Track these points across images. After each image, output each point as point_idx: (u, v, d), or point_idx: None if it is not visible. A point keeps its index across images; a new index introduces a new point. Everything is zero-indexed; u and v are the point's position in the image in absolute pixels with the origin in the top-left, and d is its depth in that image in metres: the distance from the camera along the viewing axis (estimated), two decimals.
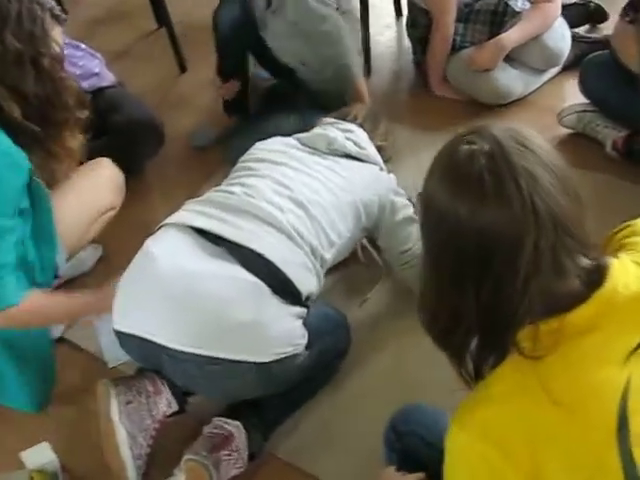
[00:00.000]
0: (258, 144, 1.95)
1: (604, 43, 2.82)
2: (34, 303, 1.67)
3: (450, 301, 1.03)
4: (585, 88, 2.49)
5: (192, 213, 1.68)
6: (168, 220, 1.69)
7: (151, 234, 1.69)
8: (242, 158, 1.91)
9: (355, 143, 1.90)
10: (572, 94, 2.74)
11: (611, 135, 2.43)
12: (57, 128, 1.69)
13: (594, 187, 2.35)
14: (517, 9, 2.69)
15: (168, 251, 1.58)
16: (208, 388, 1.60)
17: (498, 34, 2.68)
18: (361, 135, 1.97)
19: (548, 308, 0.97)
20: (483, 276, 0.97)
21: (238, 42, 2.63)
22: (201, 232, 1.61)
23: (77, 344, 2.09)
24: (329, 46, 2.45)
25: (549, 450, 0.94)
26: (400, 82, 2.90)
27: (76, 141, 1.76)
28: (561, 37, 2.70)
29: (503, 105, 2.71)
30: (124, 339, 1.60)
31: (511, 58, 2.68)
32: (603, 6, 2.99)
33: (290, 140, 1.94)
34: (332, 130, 1.94)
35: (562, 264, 0.96)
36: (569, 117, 2.52)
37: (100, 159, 2.14)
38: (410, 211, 1.90)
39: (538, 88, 2.79)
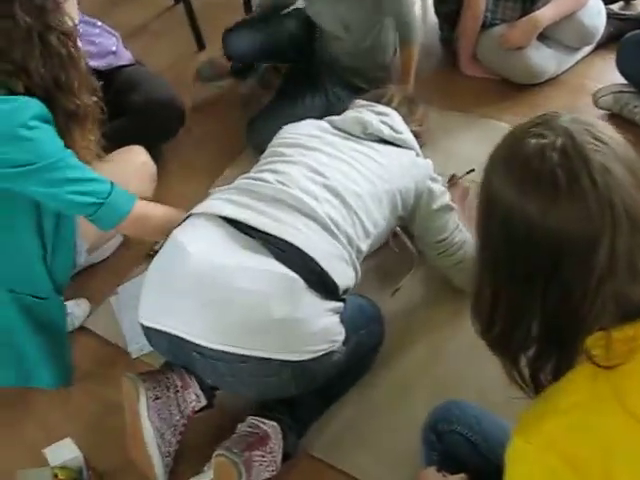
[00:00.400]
0: (288, 127, 1.85)
1: (638, 20, 2.74)
2: (141, 209, 1.66)
3: (510, 305, 0.97)
4: (623, 68, 2.39)
5: (223, 202, 1.58)
6: (196, 209, 1.60)
7: (178, 223, 1.62)
8: (272, 142, 1.82)
9: (391, 127, 1.80)
10: (606, 74, 2.67)
11: None
12: (65, 118, 1.56)
13: None
14: None
15: (199, 243, 1.50)
16: (240, 387, 1.53)
17: (531, 11, 2.59)
18: (397, 119, 1.86)
19: (621, 314, 0.90)
20: (551, 279, 0.90)
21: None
22: (232, 222, 1.53)
23: (98, 333, 2.03)
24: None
25: (623, 465, 0.87)
26: (427, 61, 2.78)
27: (86, 139, 1.64)
28: (597, 14, 2.60)
29: (535, 85, 2.62)
30: (152, 334, 1.53)
31: (544, 36, 2.58)
32: None
33: (322, 123, 1.84)
34: (367, 113, 1.83)
35: (638, 266, 0.89)
36: (605, 98, 2.43)
37: (132, 146, 2.06)
38: (447, 199, 1.81)
39: (571, 67, 2.70)
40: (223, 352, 1.42)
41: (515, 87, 2.63)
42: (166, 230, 1.61)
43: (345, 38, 2.47)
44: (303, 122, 1.86)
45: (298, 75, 2.63)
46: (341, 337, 1.51)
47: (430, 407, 1.55)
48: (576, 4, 2.52)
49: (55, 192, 1.52)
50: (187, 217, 1.61)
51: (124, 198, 1.63)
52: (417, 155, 1.82)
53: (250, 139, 2.46)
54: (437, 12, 2.85)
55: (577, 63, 2.72)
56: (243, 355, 1.41)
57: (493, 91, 2.62)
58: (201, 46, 3.15)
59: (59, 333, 1.81)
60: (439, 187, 1.79)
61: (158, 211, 1.74)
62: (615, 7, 2.86)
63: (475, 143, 2.42)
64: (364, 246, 1.62)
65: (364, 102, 1.92)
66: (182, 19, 3.16)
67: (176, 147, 2.57)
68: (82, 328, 2.04)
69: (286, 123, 2.49)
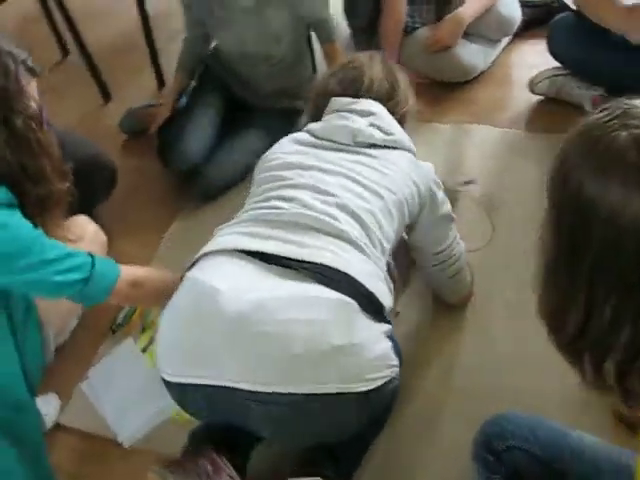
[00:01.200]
0: (271, 152, 1.65)
1: (548, 6, 2.77)
2: (130, 274, 1.53)
3: (612, 314, 0.88)
4: (555, 51, 2.39)
5: (240, 235, 1.40)
6: (209, 247, 1.41)
7: (188, 268, 1.43)
8: (260, 167, 1.63)
9: (381, 129, 1.59)
10: (528, 60, 2.71)
11: (586, 95, 2.35)
12: (36, 204, 1.42)
13: None
14: None
15: (227, 279, 1.32)
16: (297, 432, 1.36)
17: (445, 11, 2.58)
18: (384, 115, 1.64)
19: None
20: None
21: None
22: (256, 255, 1.36)
23: (77, 428, 1.80)
24: None
25: None
26: None
27: (56, 221, 1.50)
28: (512, 3, 2.63)
29: (466, 82, 2.60)
30: (183, 392, 1.34)
31: (466, 32, 2.56)
32: None
33: (304, 137, 1.63)
34: (353, 118, 1.60)
35: None
36: (541, 84, 2.43)
37: (75, 217, 1.86)
38: (449, 207, 1.69)
39: (495, 59, 2.69)
40: (284, 394, 1.25)
41: (446, 87, 2.60)
42: (164, 292, 1.44)
43: (275, 53, 2.34)
44: (283, 141, 1.67)
45: (230, 118, 2.49)
46: (397, 362, 1.38)
47: (461, 424, 1.48)
48: None
49: (39, 277, 1.37)
50: (197, 259, 1.42)
51: (108, 266, 1.50)
52: (414, 156, 1.66)
53: (200, 186, 2.30)
54: (351, 26, 2.78)
55: (499, 54, 2.71)
56: (306, 394, 1.24)
57: (426, 95, 2.56)
58: (107, 97, 2.94)
59: (36, 444, 1.59)
60: (442, 194, 1.66)
61: (150, 273, 1.60)
62: None
63: (425, 149, 2.34)
64: (383, 264, 1.50)
65: (344, 101, 1.66)
66: (78, 71, 2.95)
67: (111, 206, 2.36)
68: (57, 426, 1.80)
69: (235, 166, 2.36)
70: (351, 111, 1.63)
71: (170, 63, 2.89)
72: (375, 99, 1.67)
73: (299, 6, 2.24)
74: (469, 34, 2.56)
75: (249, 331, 1.26)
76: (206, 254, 1.41)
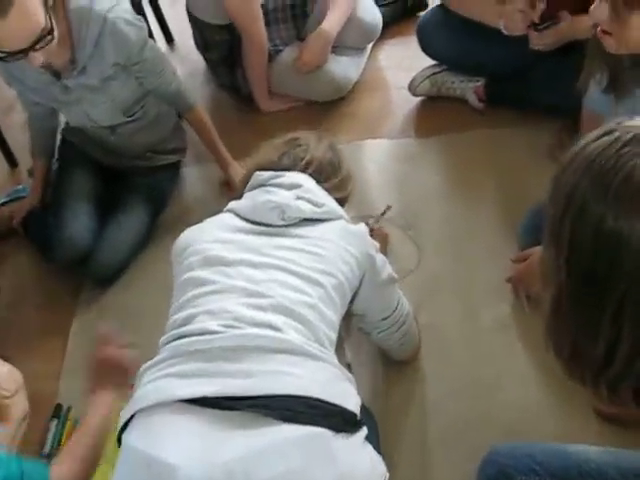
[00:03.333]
0: (190, 237, 1.45)
1: (401, 1, 2.72)
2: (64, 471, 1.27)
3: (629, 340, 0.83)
4: (430, 50, 2.34)
5: (173, 379, 1.20)
6: (140, 402, 1.20)
7: (123, 427, 1.21)
8: (179, 254, 1.43)
9: (310, 201, 1.44)
10: (395, 60, 2.64)
11: (468, 88, 2.31)
12: None
13: (477, 145, 2.24)
14: None
15: (175, 446, 1.12)
16: None
17: (305, 24, 2.47)
18: (312, 187, 1.49)
19: None
20: None
21: None
22: (198, 401, 1.15)
23: None
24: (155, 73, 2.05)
25: None
26: (217, 112, 2.53)
27: None
28: (372, 7, 2.55)
29: (342, 97, 2.48)
30: None
31: (333, 46, 2.44)
32: None
33: (227, 219, 1.45)
34: (278, 192, 1.45)
35: None
36: (422, 85, 2.36)
37: None
38: (389, 269, 1.53)
39: (364, 67, 2.59)
40: None
41: (322, 105, 2.48)
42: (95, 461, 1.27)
43: (128, 120, 2.13)
44: (204, 226, 1.48)
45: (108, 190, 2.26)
46: (385, 470, 1.24)
47: (457, 459, 1.48)
48: (352, 4, 2.43)
49: None
50: (132, 417, 1.20)
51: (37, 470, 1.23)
52: (347, 221, 1.50)
53: (93, 273, 2.06)
54: (207, 59, 2.60)
55: (367, 61, 2.62)
56: None
57: (306, 118, 2.43)
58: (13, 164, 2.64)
59: None
60: (380, 257, 1.51)
61: (78, 448, 1.33)
62: None
63: None
64: (335, 356, 1.33)
65: (268, 174, 1.51)
66: None
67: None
68: None
69: (127, 243, 2.13)
70: (276, 185, 1.47)
71: (15, 136, 2.61)
72: (310, 176, 1.52)
73: (144, 80, 2.05)
74: (334, 46, 2.45)
75: None
76: (142, 409, 1.19)
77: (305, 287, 1.31)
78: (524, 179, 2.07)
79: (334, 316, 1.34)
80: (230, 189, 2.17)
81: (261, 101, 2.49)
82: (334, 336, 1.34)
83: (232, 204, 1.49)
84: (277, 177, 1.49)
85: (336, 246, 1.39)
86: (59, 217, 2.07)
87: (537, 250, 1.71)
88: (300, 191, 1.46)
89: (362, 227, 1.49)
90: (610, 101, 1.59)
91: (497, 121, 2.27)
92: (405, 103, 2.44)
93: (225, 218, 1.47)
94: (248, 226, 1.42)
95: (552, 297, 0.89)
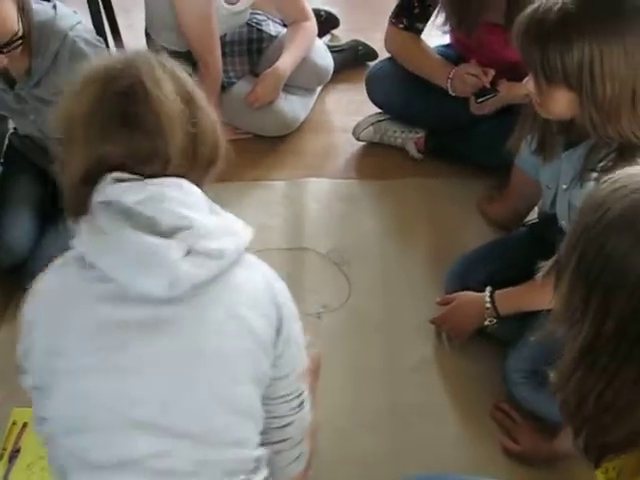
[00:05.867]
0: (44, 341, 1.06)
1: (353, 49, 2.84)
2: None
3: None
4: (376, 99, 2.44)
5: None
6: None
7: None
8: (32, 363, 1.08)
9: (207, 254, 1.00)
10: (341, 106, 2.74)
11: (409, 138, 2.43)
12: None
13: (413, 192, 2.35)
14: (273, 33, 2.59)
15: None
16: None
17: (258, 61, 2.56)
18: (203, 220, 1.02)
19: None
20: None
21: None
22: None
23: None
24: None
25: None
26: None
27: None
28: (325, 52, 2.66)
29: (287, 134, 2.57)
30: None
31: (284, 84, 2.53)
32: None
33: (98, 300, 1.01)
34: (158, 250, 0.97)
35: None
36: (366, 131, 2.46)
37: None
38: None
39: (312, 107, 2.69)
40: None
41: (270, 141, 2.55)
42: None
43: None
44: (72, 320, 1.03)
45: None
46: None
47: None
48: (308, 46, 2.53)
49: None
50: None
51: None
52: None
53: (26, 282, 2.04)
54: None
55: (315, 102, 2.72)
56: None
57: (251, 152, 2.50)
58: None
59: None
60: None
61: None
62: (325, 40, 2.90)
63: (260, 210, 2.29)
64: (257, 453, 1.11)
65: (132, 196, 1.00)
66: None
67: None
68: None
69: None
70: (150, 228, 0.98)
71: None
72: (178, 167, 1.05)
73: None
74: (286, 85, 2.54)
75: None
76: None
77: (207, 401, 1.05)
78: (454, 228, 2.19)
79: (250, 423, 1.12)
80: None
81: None
82: (253, 437, 1.12)
83: (85, 251, 1.02)
84: (145, 202, 0.98)
85: (248, 307, 1.07)
86: None
87: (461, 295, 1.82)
88: (190, 238, 0.99)
89: (279, 286, 1.15)
90: (538, 163, 1.72)
91: (434, 171, 2.39)
92: (348, 146, 2.53)
93: (93, 292, 1.01)
94: (124, 310, 1.00)
95: (584, 341, 0.87)
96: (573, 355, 0.88)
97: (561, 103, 1.46)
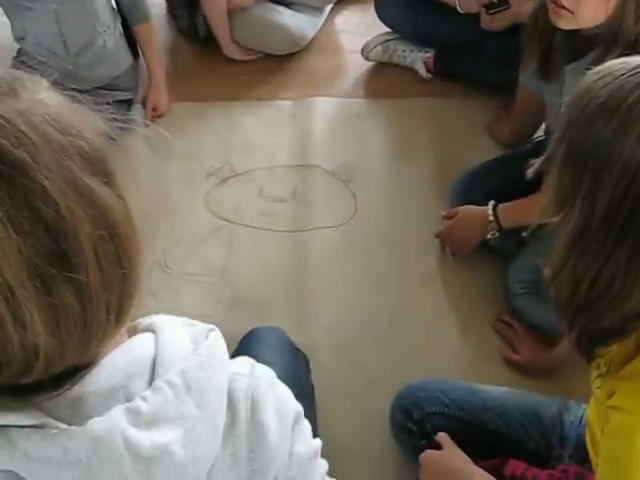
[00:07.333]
0: None
1: None
2: None
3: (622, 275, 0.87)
4: (384, 17, 2.43)
5: None
6: None
7: None
8: None
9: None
10: (354, 25, 2.72)
11: (418, 57, 2.42)
12: None
13: (421, 111, 2.35)
14: None
15: None
16: None
17: None
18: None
19: None
20: None
21: None
22: None
23: None
24: None
25: None
26: (177, 57, 2.58)
27: None
28: None
29: (294, 54, 2.56)
30: None
31: (291, 2, 2.52)
32: None
33: None
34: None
35: None
36: (374, 50, 2.45)
37: None
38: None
39: (321, 27, 2.67)
40: None
41: (279, 61, 2.55)
42: None
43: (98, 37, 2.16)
44: None
45: None
46: None
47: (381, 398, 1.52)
48: None
49: None
50: None
51: None
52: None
53: None
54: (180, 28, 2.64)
55: (324, 22, 2.70)
56: None
57: (258, 71, 2.50)
58: None
59: None
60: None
61: None
62: None
63: (269, 129, 2.31)
64: None
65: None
66: None
67: None
68: None
69: None
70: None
71: None
72: None
73: None
74: (293, 3, 2.52)
75: None
76: None
77: None
78: (460, 147, 2.20)
79: None
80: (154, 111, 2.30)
81: (224, 46, 2.52)
82: None
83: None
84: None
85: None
86: None
87: (464, 208, 1.84)
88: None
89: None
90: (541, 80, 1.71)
91: (442, 91, 2.39)
92: (357, 66, 2.53)
93: None
94: None
95: (575, 228, 0.88)
96: (565, 243, 0.90)
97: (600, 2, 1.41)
